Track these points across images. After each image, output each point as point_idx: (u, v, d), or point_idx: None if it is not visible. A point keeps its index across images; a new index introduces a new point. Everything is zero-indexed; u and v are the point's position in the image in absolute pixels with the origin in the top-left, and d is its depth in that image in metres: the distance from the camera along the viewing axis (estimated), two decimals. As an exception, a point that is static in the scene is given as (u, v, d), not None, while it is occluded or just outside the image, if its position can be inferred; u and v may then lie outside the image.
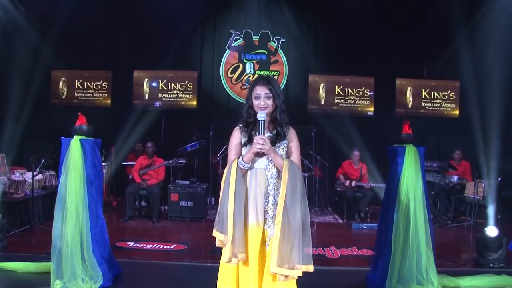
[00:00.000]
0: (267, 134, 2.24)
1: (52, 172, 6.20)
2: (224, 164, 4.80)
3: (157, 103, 8.37)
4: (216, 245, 2.18)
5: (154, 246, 4.91)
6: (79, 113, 3.56)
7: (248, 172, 2.23)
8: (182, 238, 5.42)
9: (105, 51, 8.23)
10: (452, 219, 6.63)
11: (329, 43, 8.42)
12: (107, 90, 8.44)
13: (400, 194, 3.47)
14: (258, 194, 2.21)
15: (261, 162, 2.24)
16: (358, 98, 8.41)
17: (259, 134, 2.16)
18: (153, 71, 8.39)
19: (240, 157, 2.22)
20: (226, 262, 2.14)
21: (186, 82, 8.39)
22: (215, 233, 2.18)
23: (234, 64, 8.52)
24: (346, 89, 8.43)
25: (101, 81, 8.45)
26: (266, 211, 2.21)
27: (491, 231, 4.36)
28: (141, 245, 4.91)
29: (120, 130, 7.67)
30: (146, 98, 8.37)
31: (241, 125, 2.30)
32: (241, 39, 8.50)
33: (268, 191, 2.22)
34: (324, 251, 4.86)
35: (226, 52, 8.52)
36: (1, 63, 7.59)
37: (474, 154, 7.04)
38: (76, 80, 8.45)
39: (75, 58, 8.11)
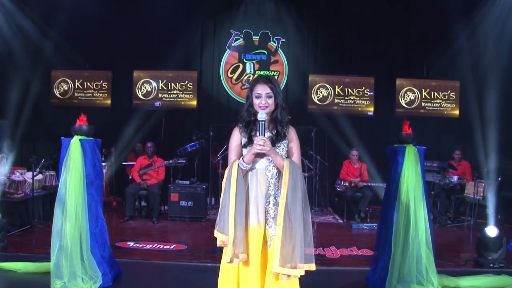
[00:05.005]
0: (268, 134, 2.24)
1: (52, 172, 6.20)
2: (224, 164, 4.80)
3: (157, 103, 8.38)
4: (217, 245, 2.19)
5: (154, 246, 4.91)
6: (81, 113, 3.56)
7: (249, 173, 2.23)
8: (182, 238, 5.42)
9: (105, 51, 8.22)
10: (452, 219, 6.63)
11: (329, 43, 8.43)
12: (107, 90, 8.45)
13: (400, 194, 3.47)
14: (259, 194, 2.21)
15: (262, 163, 2.23)
16: (358, 98, 8.42)
17: (259, 134, 2.16)
18: (153, 71, 8.39)
19: (241, 158, 2.22)
20: (228, 262, 2.14)
21: (186, 82, 8.39)
22: (216, 233, 2.19)
23: (234, 64, 8.53)
24: (346, 89, 8.43)
25: (101, 81, 8.45)
26: (267, 211, 2.21)
27: (491, 231, 4.36)
28: (141, 245, 4.91)
29: (120, 130, 7.67)
30: (146, 98, 8.37)
31: (241, 125, 2.30)
32: (241, 39, 8.51)
33: (269, 192, 2.21)
34: (324, 251, 4.86)
35: (226, 52, 8.52)
36: (1, 62, 7.59)
37: (474, 154, 7.03)
38: (76, 80, 8.45)
39: (75, 58, 8.11)
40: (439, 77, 8.42)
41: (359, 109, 8.44)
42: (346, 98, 8.43)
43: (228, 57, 8.53)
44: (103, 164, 6.38)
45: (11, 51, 7.58)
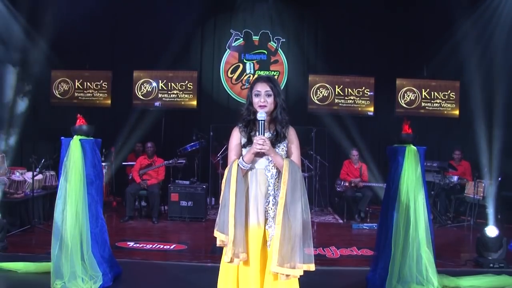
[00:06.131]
0: (267, 134, 2.24)
1: (52, 172, 6.20)
2: (224, 164, 4.81)
3: (157, 103, 8.38)
4: (217, 245, 2.19)
5: (154, 246, 4.91)
6: (78, 114, 3.57)
7: (249, 173, 2.23)
8: (182, 238, 5.42)
9: (105, 51, 8.22)
10: (452, 219, 6.63)
11: (329, 43, 8.42)
12: (107, 90, 8.45)
13: (400, 194, 3.47)
14: (259, 194, 2.21)
15: (261, 163, 2.23)
16: (358, 98, 8.42)
17: (259, 134, 2.16)
18: (153, 71, 8.39)
19: (241, 158, 2.22)
20: (228, 262, 2.14)
21: (186, 82, 8.40)
22: (216, 233, 2.18)
23: (234, 64, 8.52)
24: (346, 89, 8.43)
25: (101, 81, 8.45)
26: (267, 211, 2.21)
27: (491, 231, 4.36)
28: (141, 245, 4.91)
29: (120, 130, 7.67)
30: (146, 98, 8.37)
31: (240, 125, 2.30)
32: (241, 39, 8.50)
33: (269, 191, 2.21)
34: (324, 251, 4.86)
35: (226, 52, 8.52)
36: (1, 63, 7.59)
37: (474, 154, 7.04)
38: (76, 80, 8.45)
39: (75, 58, 8.11)
40: (439, 77, 8.42)
41: (359, 109, 8.44)
42: (346, 98, 8.43)
43: (228, 57, 8.53)
44: (103, 164, 6.38)
45: (11, 50, 7.58)
